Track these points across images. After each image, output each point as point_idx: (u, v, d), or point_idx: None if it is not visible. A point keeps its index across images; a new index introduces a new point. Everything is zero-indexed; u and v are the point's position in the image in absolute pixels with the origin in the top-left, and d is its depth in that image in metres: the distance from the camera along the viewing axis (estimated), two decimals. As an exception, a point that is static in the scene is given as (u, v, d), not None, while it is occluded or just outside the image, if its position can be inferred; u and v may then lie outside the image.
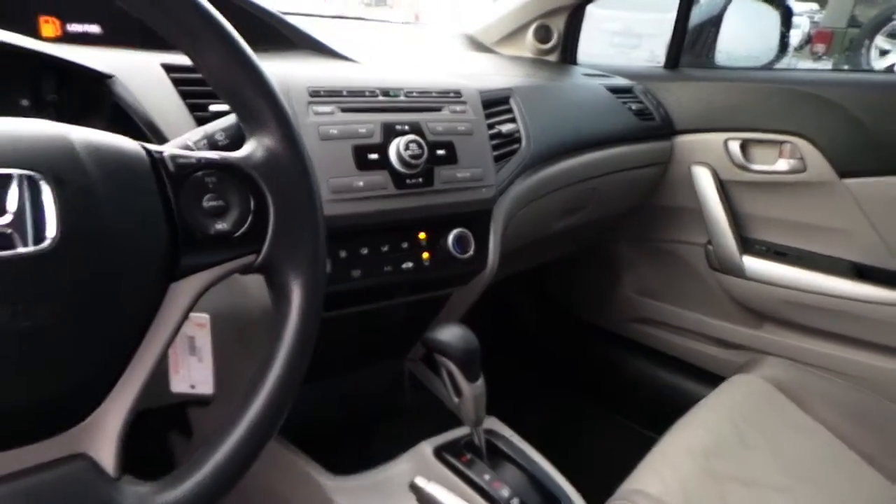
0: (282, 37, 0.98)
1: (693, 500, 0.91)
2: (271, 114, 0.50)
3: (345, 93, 0.81)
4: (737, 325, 1.41)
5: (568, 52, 1.53)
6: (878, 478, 1.09)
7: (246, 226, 0.48)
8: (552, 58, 1.52)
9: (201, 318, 0.63)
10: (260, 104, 0.49)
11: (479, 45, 1.56)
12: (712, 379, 1.45)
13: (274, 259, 0.50)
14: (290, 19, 1.02)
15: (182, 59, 0.74)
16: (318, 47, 1.00)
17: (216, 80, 0.49)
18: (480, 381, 0.82)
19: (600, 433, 1.59)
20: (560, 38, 1.49)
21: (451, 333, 0.80)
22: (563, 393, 1.70)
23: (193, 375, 0.66)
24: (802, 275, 1.27)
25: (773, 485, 0.99)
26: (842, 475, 1.06)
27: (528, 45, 1.51)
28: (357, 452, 0.89)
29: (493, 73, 1.19)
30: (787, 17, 1.45)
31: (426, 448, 0.84)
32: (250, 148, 0.50)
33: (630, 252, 1.59)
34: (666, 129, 1.38)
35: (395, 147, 0.80)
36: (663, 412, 1.23)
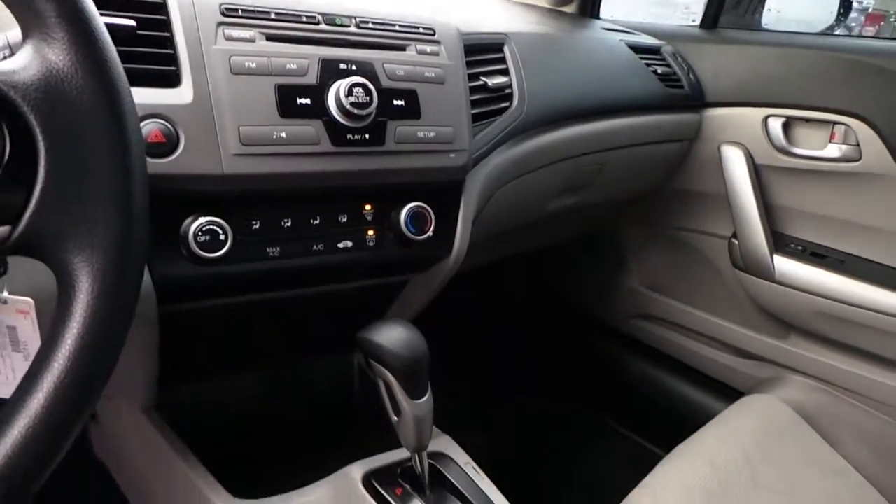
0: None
1: (685, 556, 0.73)
2: (54, 4, 0.31)
3: (273, 14, 0.62)
4: (759, 335, 1.21)
5: (589, 3, 1.31)
6: (915, 538, 0.90)
7: None
8: (569, 9, 1.31)
9: (23, 303, 0.47)
10: None
11: (486, -11, 1.34)
12: (726, 392, 1.27)
13: (43, 234, 0.32)
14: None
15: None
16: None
17: None
18: (426, 399, 0.64)
19: (594, 445, 1.42)
20: (581, -15, 1.27)
21: (392, 336, 0.63)
22: (552, 395, 1.53)
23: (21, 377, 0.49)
24: (843, 283, 1.07)
25: (785, 538, 0.81)
26: (870, 530, 0.87)
27: (542, -9, 1.29)
28: (274, 470, 0.73)
29: (489, 15, 0.98)
30: (853, -26, 1.21)
31: (354, 473, 0.67)
32: (22, 59, 0.31)
33: (640, 238, 1.39)
34: (695, 99, 1.17)
35: (336, 91, 0.62)
36: (668, 425, 1.05)
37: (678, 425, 0.98)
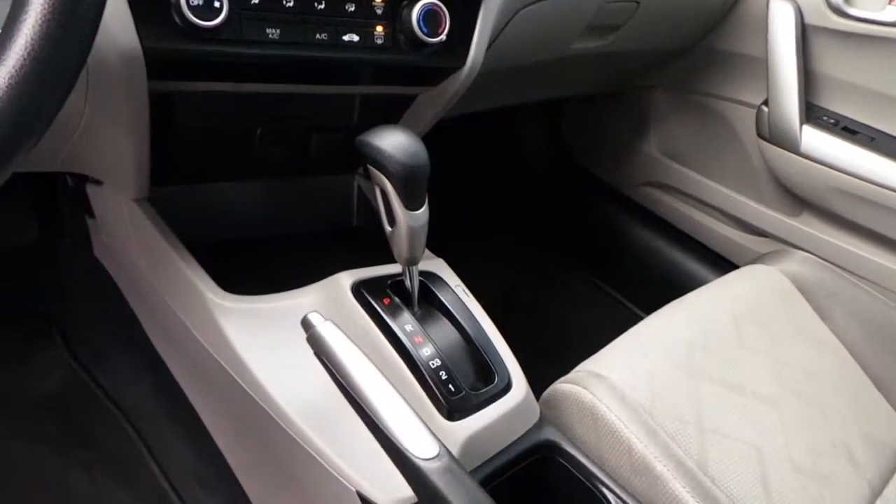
0: None
1: (659, 395, 0.75)
2: None
3: None
4: (770, 210, 1.18)
5: None
6: (886, 409, 0.93)
7: None
8: None
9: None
10: None
11: None
12: (727, 267, 1.26)
13: None
14: None
15: None
16: None
17: None
18: (423, 211, 0.62)
19: (585, 305, 1.44)
20: None
21: (393, 141, 0.59)
22: (553, 252, 1.53)
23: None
24: (869, 160, 1.02)
25: (760, 395, 0.83)
26: (844, 398, 0.89)
27: None
28: (265, 274, 0.73)
29: None
30: None
31: (343, 280, 0.67)
32: None
33: (664, 102, 1.32)
34: (752, -58, 1.06)
35: None
36: (663, 293, 1.05)
37: (675, 295, 0.98)
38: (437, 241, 0.74)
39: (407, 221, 0.61)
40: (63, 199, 1.01)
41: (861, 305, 1.02)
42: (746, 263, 1.15)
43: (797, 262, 1.05)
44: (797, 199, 1.14)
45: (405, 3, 0.62)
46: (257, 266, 0.79)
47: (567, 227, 1.55)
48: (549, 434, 0.69)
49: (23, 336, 1.12)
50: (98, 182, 0.79)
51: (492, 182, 1.65)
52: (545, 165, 1.61)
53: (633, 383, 0.75)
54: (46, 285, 1.12)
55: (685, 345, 0.84)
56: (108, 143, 0.64)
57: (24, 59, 0.29)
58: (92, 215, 0.88)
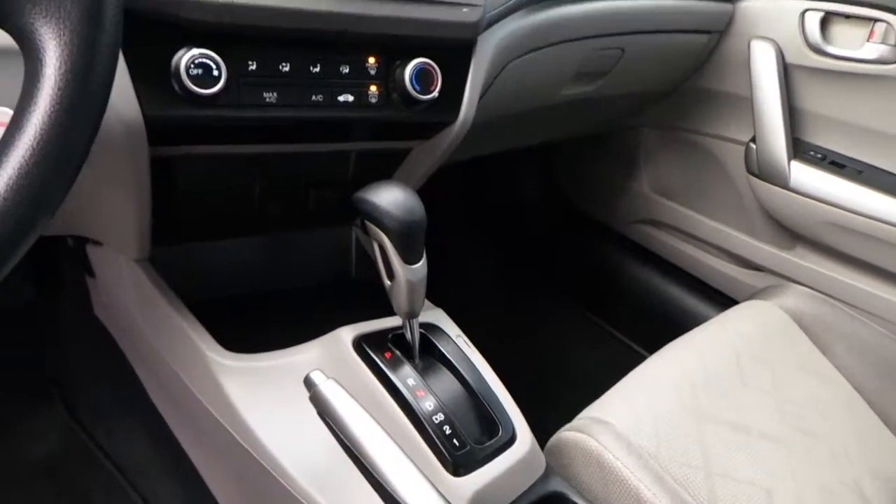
0: None
1: (664, 440, 0.75)
2: None
3: None
4: (764, 244, 1.19)
5: None
6: (893, 443, 0.92)
7: None
8: None
9: (3, 113, 0.44)
10: None
11: None
12: (724, 302, 1.26)
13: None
14: None
15: None
16: None
17: None
18: (421, 265, 0.63)
19: (586, 345, 1.44)
20: None
21: (389, 197, 0.60)
22: (551, 292, 1.53)
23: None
24: (858, 193, 1.03)
25: (766, 434, 0.83)
26: (851, 434, 0.89)
27: None
28: (266, 330, 0.73)
29: None
30: None
31: (345, 335, 0.67)
32: None
33: (653, 140, 1.35)
34: (730, -14, 1.09)
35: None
36: (662, 330, 1.06)
37: (673, 331, 0.98)
38: (435, 288, 0.74)
39: (406, 276, 0.62)
40: (63, 259, 1.02)
41: (861, 338, 1.02)
42: (745, 298, 1.15)
43: (794, 297, 1.05)
44: (790, 233, 1.15)
45: (398, 63, 0.64)
46: (259, 322, 0.79)
47: (564, 267, 1.56)
48: (556, 485, 0.68)
49: (21, 397, 1.11)
50: (98, 243, 0.80)
51: (487, 226, 1.67)
52: (540, 208, 1.63)
53: (638, 428, 0.74)
54: (46, 345, 1.11)
55: (689, 386, 0.84)
56: (109, 207, 0.65)
57: (34, 150, 0.29)
58: (92, 274, 0.88)
